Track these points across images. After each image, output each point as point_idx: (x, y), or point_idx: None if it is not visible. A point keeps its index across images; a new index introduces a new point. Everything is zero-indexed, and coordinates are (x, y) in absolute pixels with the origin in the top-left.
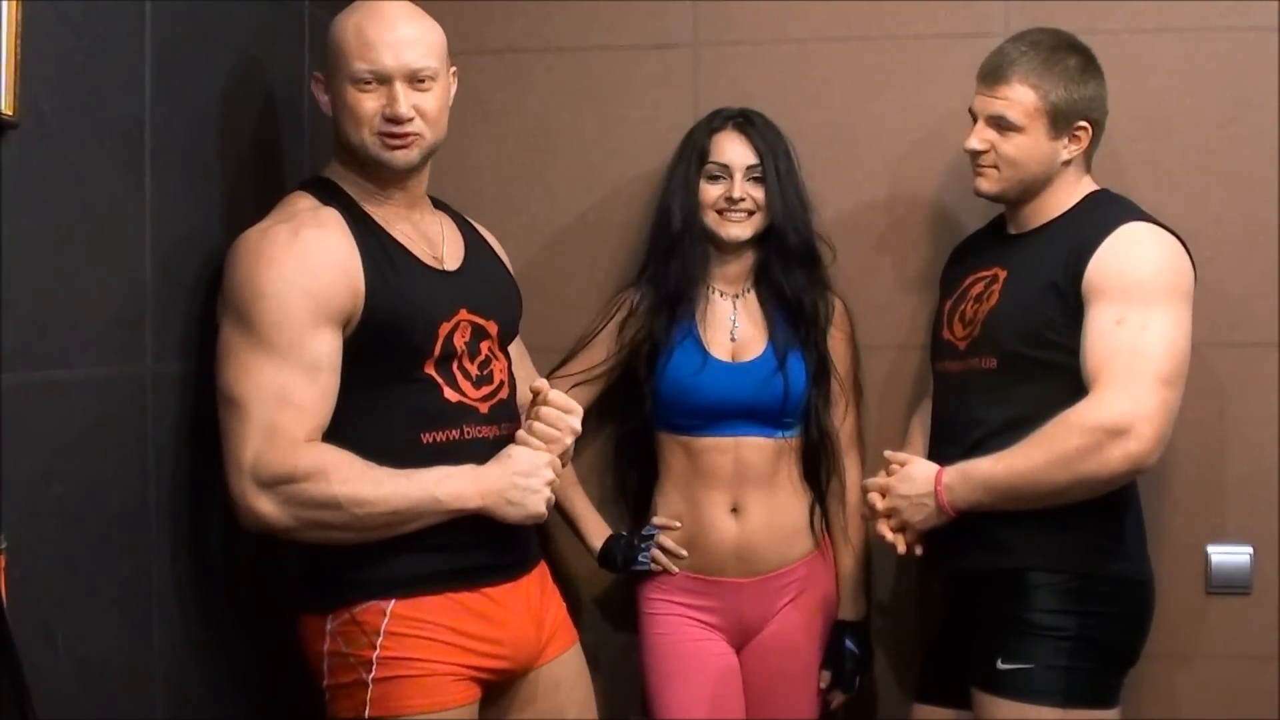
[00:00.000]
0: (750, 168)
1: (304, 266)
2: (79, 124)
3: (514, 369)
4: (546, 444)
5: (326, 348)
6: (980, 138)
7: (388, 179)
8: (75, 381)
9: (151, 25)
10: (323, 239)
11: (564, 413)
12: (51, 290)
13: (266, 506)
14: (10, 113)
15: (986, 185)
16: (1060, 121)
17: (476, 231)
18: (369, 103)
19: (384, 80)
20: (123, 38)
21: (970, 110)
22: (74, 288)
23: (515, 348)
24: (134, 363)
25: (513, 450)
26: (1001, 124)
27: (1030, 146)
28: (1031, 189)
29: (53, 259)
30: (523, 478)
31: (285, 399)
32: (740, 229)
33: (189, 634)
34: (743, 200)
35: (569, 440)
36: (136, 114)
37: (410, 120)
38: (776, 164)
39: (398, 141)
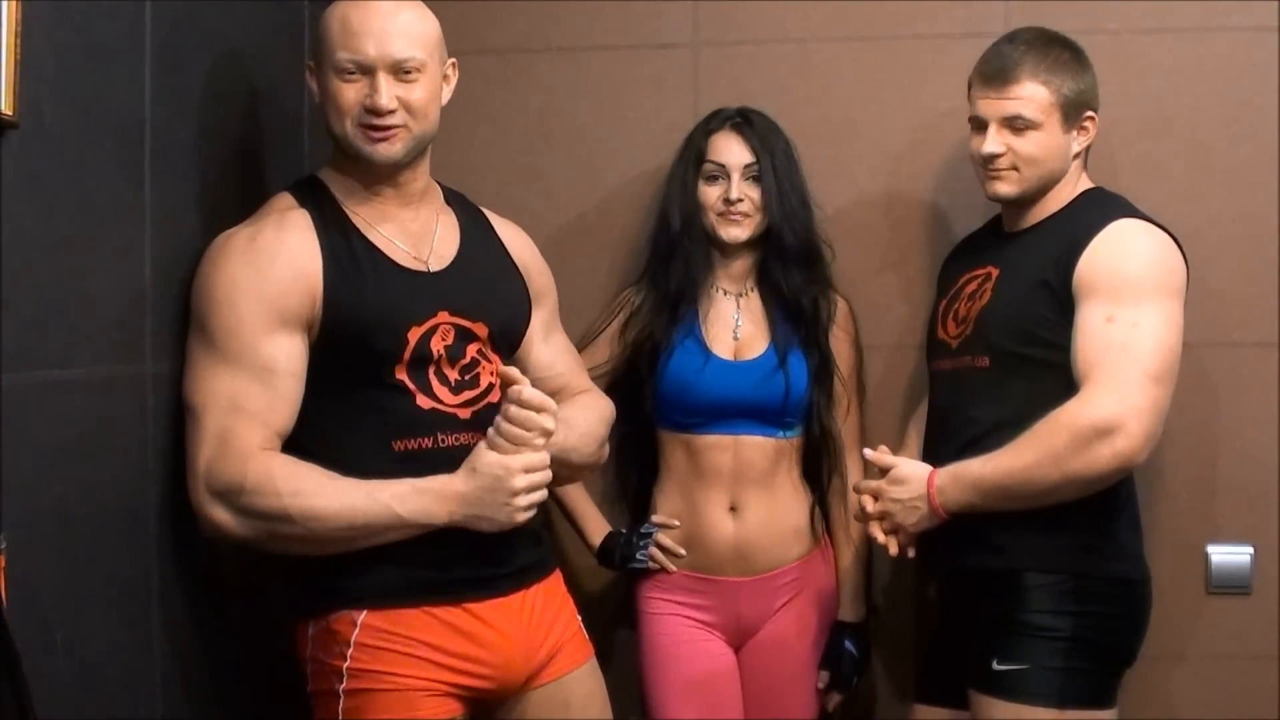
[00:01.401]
0: (747, 167)
1: (256, 271)
2: (79, 124)
3: (554, 363)
4: (515, 445)
5: (282, 352)
6: (997, 141)
7: (376, 174)
8: (75, 381)
9: (151, 25)
10: (279, 242)
11: (536, 411)
12: (51, 290)
13: (220, 515)
14: (10, 113)
15: (1006, 188)
16: (1072, 113)
17: (484, 229)
18: (351, 93)
19: (367, 70)
20: (123, 38)
21: (974, 117)
22: (74, 288)
23: (553, 343)
24: (134, 363)
25: (477, 459)
26: (1017, 124)
27: (1048, 142)
28: (1048, 186)
29: (53, 259)
30: (488, 492)
31: (237, 406)
32: (739, 230)
33: (188, 634)
34: (740, 201)
35: (539, 441)
36: (136, 114)
37: (392, 112)
38: (774, 163)
39: (379, 134)
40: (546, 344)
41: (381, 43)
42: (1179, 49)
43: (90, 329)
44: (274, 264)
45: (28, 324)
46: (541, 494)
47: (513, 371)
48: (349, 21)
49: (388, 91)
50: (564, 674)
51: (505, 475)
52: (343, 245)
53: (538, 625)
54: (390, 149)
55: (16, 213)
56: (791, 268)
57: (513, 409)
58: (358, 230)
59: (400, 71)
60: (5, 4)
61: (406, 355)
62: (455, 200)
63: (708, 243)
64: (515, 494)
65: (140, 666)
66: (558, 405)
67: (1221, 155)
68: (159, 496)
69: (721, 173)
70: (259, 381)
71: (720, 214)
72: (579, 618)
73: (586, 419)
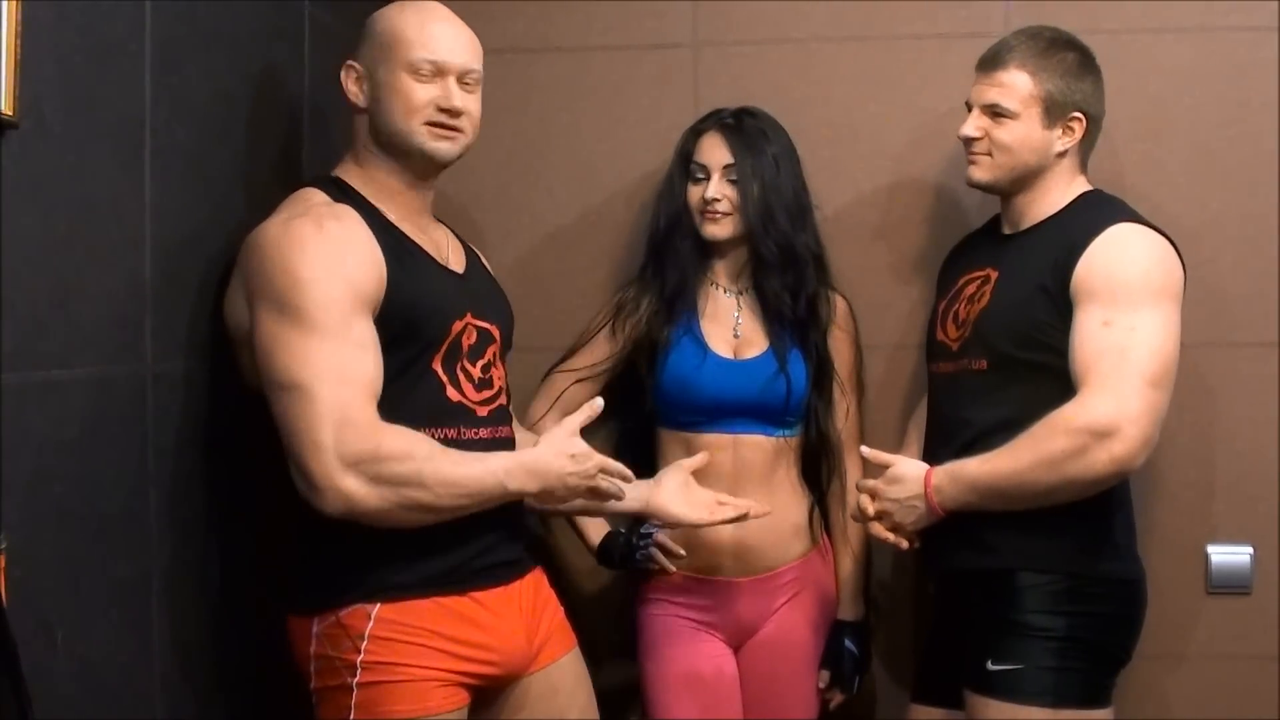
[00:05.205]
0: (727, 168)
1: (335, 252)
2: (79, 124)
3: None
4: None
5: (369, 329)
6: (975, 125)
7: (416, 174)
8: (75, 381)
9: (151, 25)
10: (345, 229)
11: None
12: (51, 290)
13: (353, 485)
14: (10, 113)
15: (979, 173)
16: (1055, 110)
17: (468, 246)
18: (424, 92)
19: (440, 73)
20: (123, 38)
21: (966, 102)
22: (74, 288)
23: None
24: (134, 363)
25: (575, 446)
26: (996, 111)
27: (1024, 133)
28: (1024, 179)
29: (53, 259)
30: (576, 477)
31: (347, 377)
32: (718, 228)
33: (188, 634)
34: (718, 201)
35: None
36: (136, 114)
37: (461, 115)
38: (754, 165)
39: (446, 132)
40: None
41: (456, 50)
42: (1179, 49)
43: (90, 329)
44: (348, 248)
45: (28, 324)
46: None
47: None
48: (427, 26)
49: (459, 95)
50: (552, 662)
51: (593, 469)
52: (389, 237)
53: (532, 613)
54: (451, 148)
55: (16, 213)
56: (769, 270)
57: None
58: (395, 226)
59: (464, 80)
60: (5, 4)
61: (445, 346)
62: (439, 221)
63: (699, 240)
64: (590, 486)
65: (140, 666)
66: (533, 429)
67: (1221, 155)
68: (159, 496)
69: (703, 173)
70: (359, 353)
71: (700, 212)
72: (561, 609)
73: None
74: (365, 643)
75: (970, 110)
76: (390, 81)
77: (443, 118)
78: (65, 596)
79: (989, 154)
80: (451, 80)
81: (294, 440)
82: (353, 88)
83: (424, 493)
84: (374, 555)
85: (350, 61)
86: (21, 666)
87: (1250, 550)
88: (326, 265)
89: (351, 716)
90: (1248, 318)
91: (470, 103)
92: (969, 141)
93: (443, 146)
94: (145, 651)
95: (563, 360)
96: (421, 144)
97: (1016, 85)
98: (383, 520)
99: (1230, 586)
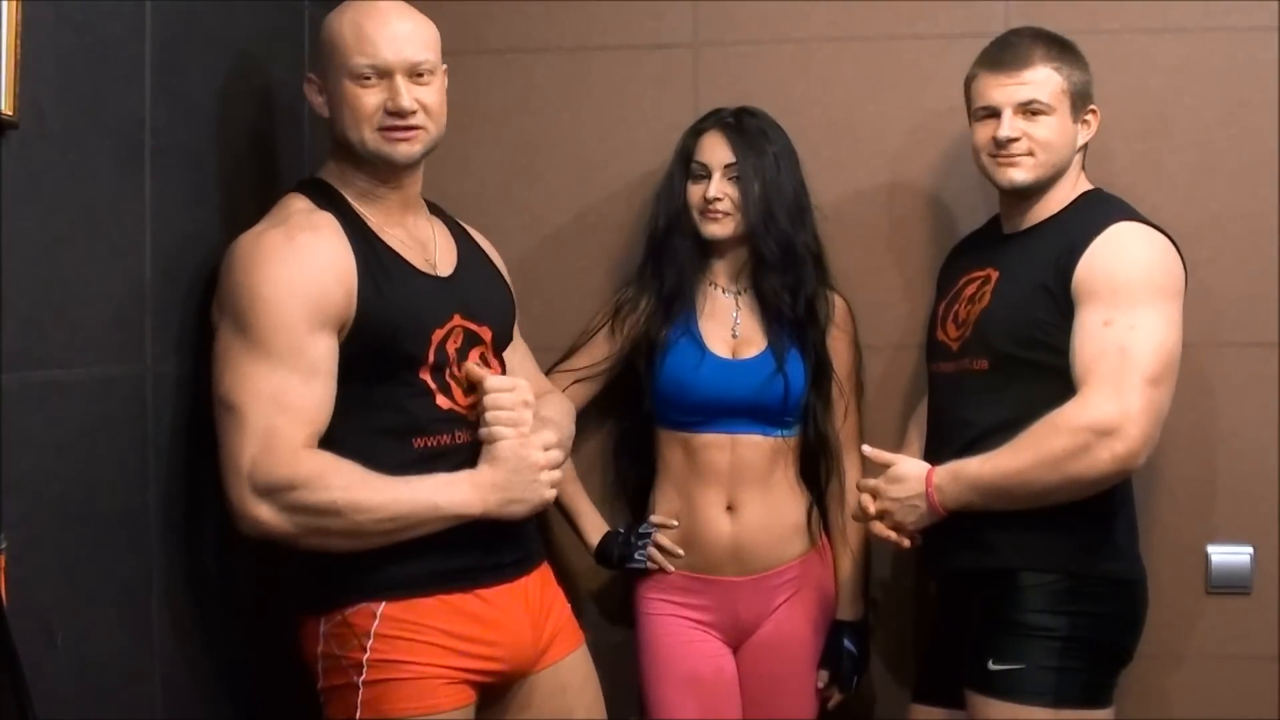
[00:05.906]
0: (728, 167)
1: (300, 271)
2: (79, 124)
3: (516, 371)
4: (512, 426)
5: (324, 352)
6: (1013, 126)
7: (384, 178)
8: (75, 381)
9: (151, 25)
10: (317, 243)
11: (507, 391)
12: (51, 290)
13: (265, 513)
14: (10, 113)
15: (1022, 175)
16: (1079, 103)
17: (469, 236)
18: (370, 98)
19: (384, 74)
20: (123, 38)
21: (982, 107)
22: (74, 288)
23: (518, 350)
24: (134, 363)
25: (494, 449)
26: (1033, 107)
27: (1060, 129)
28: (1056, 176)
29: (53, 259)
30: (516, 474)
31: (282, 403)
32: (718, 228)
33: (188, 634)
34: (720, 200)
35: (527, 414)
36: (136, 114)
37: (414, 113)
38: (756, 165)
39: (401, 135)
40: (514, 351)
41: (398, 47)
42: (1179, 49)
43: (90, 329)
44: (315, 264)
45: (28, 324)
46: (559, 472)
47: (471, 368)
48: (363, 29)
49: (408, 93)
50: (560, 659)
51: (526, 455)
52: (369, 249)
53: (539, 610)
54: (411, 149)
55: (16, 213)
56: (770, 270)
57: (488, 397)
58: (375, 233)
59: (415, 74)
60: (5, 4)
61: (431, 358)
62: (435, 210)
63: (698, 240)
64: (540, 470)
65: (140, 666)
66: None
67: (1221, 155)
68: (159, 496)
69: (705, 171)
70: (303, 379)
71: (701, 212)
72: (569, 606)
73: (559, 409)
74: (371, 641)
75: (993, 114)
76: (338, 92)
77: (394, 120)
78: (65, 596)
79: (1031, 154)
80: (399, 79)
81: (221, 461)
82: (316, 99)
83: (341, 521)
84: (379, 554)
85: (310, 74)
86: (22, 666)
87: (1250, 550)
88: (286, 283)
89: (358, 715)
90: (1248, 318)
91: (426, 95)
92: (1005, 144)
93: (401, 149)
94: (145, 651)
95: (562, 360)
96: (378, 150)
97: (1047, 81)
98: (305, 545)
99: (1230, 586)
